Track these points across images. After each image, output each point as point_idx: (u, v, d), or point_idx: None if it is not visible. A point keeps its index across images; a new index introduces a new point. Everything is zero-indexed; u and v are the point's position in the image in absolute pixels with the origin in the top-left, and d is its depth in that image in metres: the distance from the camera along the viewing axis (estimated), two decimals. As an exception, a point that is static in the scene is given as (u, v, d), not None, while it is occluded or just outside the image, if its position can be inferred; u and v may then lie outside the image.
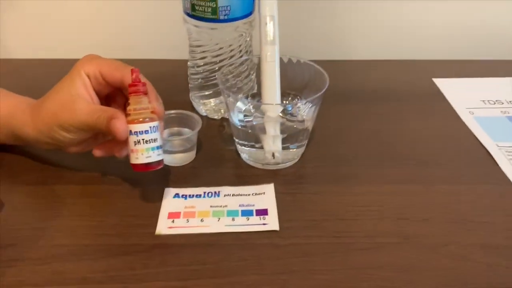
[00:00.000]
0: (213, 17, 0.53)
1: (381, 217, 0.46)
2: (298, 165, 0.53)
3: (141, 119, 0.43)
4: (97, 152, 0.47)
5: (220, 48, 0.56)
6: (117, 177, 0.51)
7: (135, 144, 0.44)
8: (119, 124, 0.43)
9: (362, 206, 0.48)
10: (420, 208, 0.48)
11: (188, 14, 0.54)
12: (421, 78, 0.71)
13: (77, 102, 0.45)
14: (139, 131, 0.43)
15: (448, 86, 0.68)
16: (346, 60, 0.76)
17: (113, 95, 0.49)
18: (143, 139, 0.43)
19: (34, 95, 0.50)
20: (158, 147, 0.44)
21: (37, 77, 0.69)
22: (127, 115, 0.44)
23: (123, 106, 0.49)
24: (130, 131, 0.43)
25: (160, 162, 0.44)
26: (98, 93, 0.48)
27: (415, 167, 0.53)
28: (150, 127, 0.43)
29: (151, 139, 0.43)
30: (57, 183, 0.50)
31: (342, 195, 0.49)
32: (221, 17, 0.53)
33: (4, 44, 0.75)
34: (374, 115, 0.62)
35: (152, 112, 0.44)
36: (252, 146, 0.52)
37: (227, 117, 0.60)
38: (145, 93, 0.44)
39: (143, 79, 0.46)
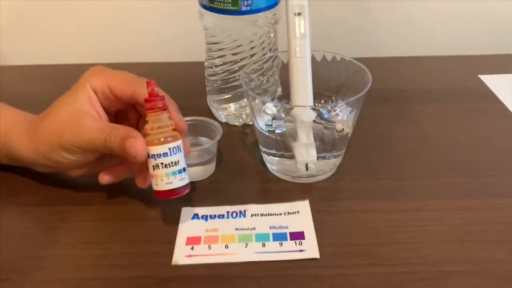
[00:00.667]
0: (234, 9, 0.46)
1: (442, 239, 0.39)
2: (335, 178, 0.46)
3: (162, 139, 0.37)
4: (105, 179, 0.41)
5: (240, 46, 0.50)
6: (125, 197, 0.44)
7: (153, 169, 0.37)
8: (139, 145, 0.37)
9: (417, 225, 0.40)
10: (490, 227, 0.40)
11: (205, 7, 0.48)
12: (465, 75, 0.63)
13: (82, 118, 0.39)
14: (157, 154, 0.37)
15: (498, 83, 0.60)
16: (380, 57, 0.69)
17: (124, 111, 0.43)
18: (162, 163, 0.37)
19: (37, 103, 0.44)
20: (180, 171, 0.37)
21: (46, 83, 0.63)
22: (145, 135, 0.38)
23: (136, 125, 0.43)
24: (148, 153, 0.37)
25: (185, 187, 0.38)
26: (106, 110, 0.42)
27: (472, 178, 0.45)
28: (170, 148, 0.37)
29: (172, 162, 0.37)
30: (58, 204, 0.43)
31: (390, 212, 0.42)
32: (243, 8, 0.46)
33: (4, 50, 0.70)
34: (417, 118, 0.55)
35: (174, 129, 0.38)
36: (282, 156, 0.45)
37: (250, 123, 0.54)
38: (164, 109, 0.38)
39: (160, 92, 0.39)
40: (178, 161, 0.37)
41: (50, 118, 0.41)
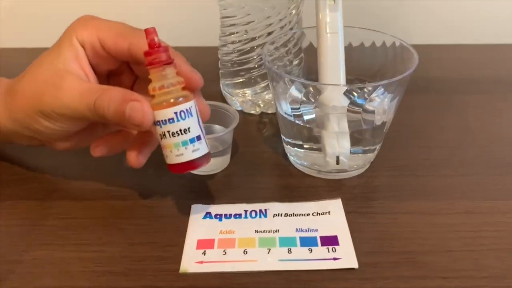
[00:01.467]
0: (254, -25, 0.40)
1: (503, 247, 0.32)
2: (369, 174, 0.40)
3: (171, 100, 0.30)
4: (97, 150, 0.34)
5: (254, 21, 0.43)
6: (124, 190, 0.38)
7: (160, 138, 0.31)
8: (145, 108, 0.30)
9: (470, 230, 0.34)
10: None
11: (221, -26, 0.42)
12: (509, 65, 0.57)
13: (64, 78, 0.32)
14: (162, 120, 0.30)
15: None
16: (416, 44, 0.63)
17: (118, 73, 0.36)
18: (168, 131, 0.30)
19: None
20: (193, 140, 0.30)
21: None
22: (149, 97, 0.31)
23: (131, 88, 0.36)
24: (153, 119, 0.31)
25: (201, 159, 0.31)
26: (96, 70, 0.35)
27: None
28: (176, 112, 0.30)
29: (181, 130, 0.30)
30: (46, 198, 0.37)
31: (436, 214, 0.35)
32: (264, -25, 0.40)
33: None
34: (458, 109, 0.48)
35: (184, 87, 0.31)
36: (310, 148, 0.38)
37: (269, 111, 0.47)
38: (169, 62, 0.31)
39: (163, 42, 0.32)
40: (189, 128, 0.30)
41: (27, 79, 0.34)
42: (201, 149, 0.31)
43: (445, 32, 0.65)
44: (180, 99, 0.30)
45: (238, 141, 0.43)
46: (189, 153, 0.30)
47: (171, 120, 0.30)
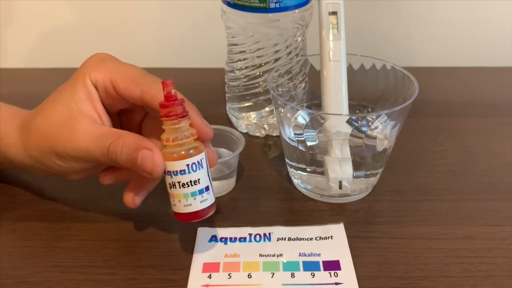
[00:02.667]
0: (262, 6, 0.41)
1: (501, 273, 0.33)
2: (371, 198, 0.41)
3: (183, 152, 0.31)
4: (105, 179, 0.35)
5: (262, 48, 0.45)
6: (134, 213, 0.39)
7: (170, 188, 0.32)
8: (157, 158, 0.31)
9: (469, 256, 0.35)
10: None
11: (229, 4, 0.43)
12: (510, 88, 0.58)
13: (80, 121, 0.33)
14: (173, 171, 0.31)
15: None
16: (414, 67, 0.64)
17: (129, 110, 0.37)
18: (179, 182, 0.31)
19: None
20: (201, 191, 0.31)
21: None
22: (161, 145, 0.32)
23: (139, 125, 0.37)
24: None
25: (208, 209, 0.32)
26: (108, 108, 0.35)
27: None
28: (188, 165, 0.31)
29: (191, 181, 0.31)
30: (58, 220, 0.38)
31: (436, 239, 0.36)
32: (271, 6, 0.42)
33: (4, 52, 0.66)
34: (459, 132, 0.49)
35: (196, 139, 0.32)
36: (313, 172, 0.39)
37: (273, 134, 0.49)
38: (184, 116, 0.31)
39: (178, 95, 0.32)
40: (199, 179, 0.31)
41: (42, 117, 0.34)
42: (209, 199, 0.32)
43: (446, 54, 0.66)
44: (192, 151, 0.31)
45: (243, 164, 0.44)
46: (197, 204, 0.31)
47: (182, 172, 0.31)
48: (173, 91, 0.31)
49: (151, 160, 0.31)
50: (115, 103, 0.35)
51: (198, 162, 0.31)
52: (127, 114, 0.37)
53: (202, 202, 0.31)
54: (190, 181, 0.31)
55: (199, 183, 0.31)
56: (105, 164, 0.35)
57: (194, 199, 0.31)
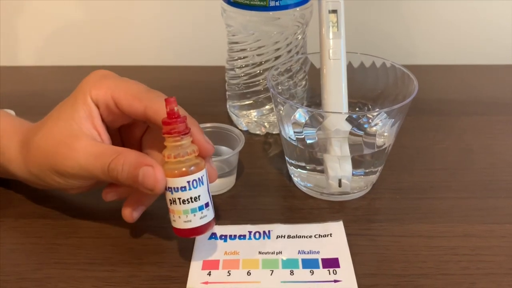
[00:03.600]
0: (262, 4, 0.42)
1: (500, 271, 0.33)
2: (371, 196, 0.41)
3: (183, 169, 0.31)
4: (108, 196, 0.36)
5: (263, 46, 0.45)
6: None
7: (170, 203, 0.32)
8: (158, 175, 0.31)
9: (468, 254, 0.35)
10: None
11: (229, 2, 0.43)
12: (509, 86, 0.58)
13: (80, 139, 0.33)
14: (174, 188, 0.31)
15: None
16: (414, 65, 0.64)
17: (129, 125, 0.37)
18: (179, 198, 0.31)
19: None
20: (201, 207, 0.31)
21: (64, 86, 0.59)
22: (162, 162, 0.32)
23: (139, 140, 0.37)
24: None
25: (207, 225, 0.32)
26: (109, 125, 0.35)
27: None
28: (189, 182, 0.31)
29: (191, 198, 0.31)
30: (59, 217, 0.38)
31: (435, 237, 0.36)
32: (271, 4, 0.42)
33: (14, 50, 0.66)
34: (458, 131, 0.49)
35: (197, 155, 0.32)
36: (313, 170, 0.40)
37: (273, 132, 0.49)
38: (186, 133, 0.31)
39: (181, 111, 0.32)
40: (199, 196, 0.31)
41: (42, 135, 0.34)
42: (208, 215, 0.32)
43: (446, 52, 0.66)
44: (193, 168, 0.31)
45: (243, 161, 0.44)
46: (197, 220, 0.31)
47: (183, 189, 0.31)
48: (175, 108, 0.31)
49: (152, 177, 0.31)
50: (116, 119, 0.35)
51: (198, 179, 0.31)
52: (127, 129, 0.37)
53: (201, 219, 0.31)
54: (191, 198, 0.31)
55: (199, 199, 0.31)
56: (105, 181, 0.35)
57: (194, 215, 0.31)
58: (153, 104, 0.33)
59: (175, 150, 0.31)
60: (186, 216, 0.31)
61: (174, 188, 0.31)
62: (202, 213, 0.31)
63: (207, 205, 0.32)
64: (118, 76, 0.35)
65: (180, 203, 0.31)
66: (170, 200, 0.32)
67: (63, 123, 0.34)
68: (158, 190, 0.31)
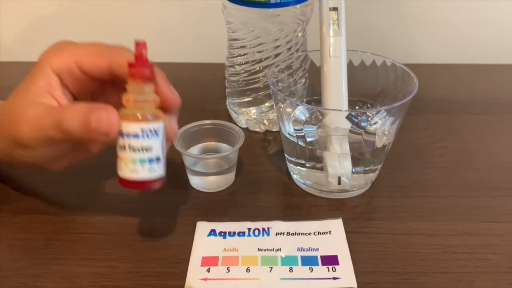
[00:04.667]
0: (263, 1, 0.41)
1: (498, 269, 0.33)
2: (370, 194, 0.41)
3: (139, 116, 0.30)
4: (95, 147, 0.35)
5: (263, 43, 0.45)
6: (133, 205, 0.39)
7: (119, 150, 0.30)
8: (112, 117, 0.29)
9: (466, 252, 0.35)
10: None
11: (230, -1, 0.43)
12: (509, 86, 0.58)
13: (32, 106, 0.32)
14: (126, 133, 0.30)
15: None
16: (413, 63, 0.64)
17: (103, 94, 0.36)
18: (129, 145, 0.30)
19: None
20: (151, 160, 0.30)
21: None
22: (120, 107, 0.31)
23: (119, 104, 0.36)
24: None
25: (155, 181, 0.31)
26: (78, 94, 0.35)
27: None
28: (143, 129, 0.29)
29: (142, 148, 0.29)
30: (58, 214, 0.38)
31: (434, 235, 0.36)
32: (272, 0, 0.41)
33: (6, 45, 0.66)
34: (457, 130, 0.49)
35: (157, 106, 0.31)
36: (313, 167, 0.40)
37: (273, 129, 0.49)
38: (150, 79, 0.30)
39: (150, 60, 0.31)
40: (151, 147, 0.30)
41: (3, 111, 0.34)
42: (157, 171, 0.31)
43: (446, 51, 0.66)
44: (149, 116, 0.30)
45: (242, 158, 0.44)
46: (144, 172, 0.30)
47: (135, 135, 0.29)
48: (144, 51, 0.30)
49: (106, 120, 0.29)
50: (83, 85, 0.34)
51: (154, 129, 0.30)
52: (101, 97, 0.36)
53: (150, 172, 0.30)
54: (142, 147, 0.30)
55: (150, 151, 0.30)
56: (83, 149, 0.35)
57: (142, 166, 0.30)
58: (117, 58, 0.32)
59: (134, 95, 0.30)
60: (134, 166, 0.30)
61: (126, 133, 0.30)
62: (151, 166, 0.30)
63: (158, 160, 0.30)
64: (78, 42, 0.35)
65: (130, 151, 0.30)
66: (120, 146, 0.30)
67: (20, 96, 0.33)
68: (113, 133, 0.30)
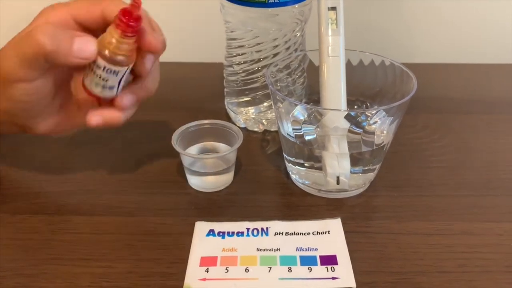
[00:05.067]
0: (261, 0, 0.41)
1: (497, 269, 0.33)
2: (369, 194, 0.41)
3: (107, 54, 0.33)
4: (93, 120, 0.36)
5: (261, 43, 0.45)
6: (131, 205, 0.39)
7: (91, 64, 0.34)
8: (91, 46, 0.33)
9: (465, 252, 0.35)
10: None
11: (228, -2, 0.43)
12: (510, 85, 0.58)
13: (20, 49, 0.33)
14: (95, 61, 0.33)
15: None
16: (413, 63, 0.64)
17: None
18: (94, 69, 0.34)
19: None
20: (104, 86, 0.34)
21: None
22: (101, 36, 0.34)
23: None
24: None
25: (102, 99, 0.36)
26: None
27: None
28: (105, 67, 0.33)
29: (101, 77, 0.34)
30: (55, 213, 0.38)
31: (433, 235, 0.36)
32: (271, 0, 0.41)
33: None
34: (456, 129, 0.49)
35: (133, 50, 0.33)
36: (311, 167, 0.39)
37: (271, 129, 0.49)
38: (132, 35, 0.33)
39: (143, 12, 0.33)
40: (108, 79, 0.34)
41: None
42: (108, 94, 0.35)
43: (446, 51, 0.66)
44: (117, 59, 0.33)
45: (241, 158, 0.44)
46: (97, 90, 0.35)
47: (98, 67, 0.34)
48: (136, 10, 0.32)
49: (87, 48, 0.33)
50: None
51: (113, 70, 0.34)
52: None
53: (101, 93, 0.35)
54: (101, 76, 0.34)
55: (106, 81, 0.34)
56: (69, 114, 0.38)
57: (96, 87, 0.34)
58: (109, 4, 0.34)
59: (112, 39, 0.33)
60: (91, 82, 0.34)
61: (96, 61, 0.33)
62: (103, 89, 0.35)
63: (111, 88, 0.35)
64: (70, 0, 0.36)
65: (93, 73, 0.34)
66: (90, 64, 0.34)
67: (13, 46, 0.34)
68: (87, 60, 0.33)
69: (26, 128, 0.37)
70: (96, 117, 0.36)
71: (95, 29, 0.35)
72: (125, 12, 0.32)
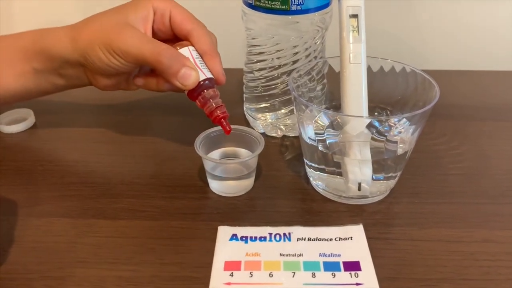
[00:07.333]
0: (283, 8, 0.42)
1: (521, 278, 0.33)
2: (389, 200, 0.41)
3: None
4: (138, 80, 0.43)
5: (282, 50, 0.45)
6: (155, 209, 0.39)
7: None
8: (194, 78, 0.39)
9: (488, 259, 0.35)
10: None
11: (250, 5, 0.43)
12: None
13: (128, 28, 0.39)
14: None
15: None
16: (430, 70, 0.64)
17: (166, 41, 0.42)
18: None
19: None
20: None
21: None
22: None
23: None
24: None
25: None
26: (155, 34, 0.42)
27: (544, 206, 0.40)
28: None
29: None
30: (80, 217, 0.39)
31: (454, 242, 0.37)
32: (293, 8, 0.42)
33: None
34: (474, 136, 0.50)
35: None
36: (332, 173, 0.40)
37: (290, 135, 0.49)
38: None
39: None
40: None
41: (98, 20, 0.40)
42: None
43: (462, 58, 0.66)
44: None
45: (261, 163, 0.44)
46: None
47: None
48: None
49: (190, 79, 0.39)
50: (163, 31, 0.42)
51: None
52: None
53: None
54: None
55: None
56: (128, 80, 0.44)
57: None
58: (199, 30, 0.41)
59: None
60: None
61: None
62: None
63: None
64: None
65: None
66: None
67: (118, 16, 0.40)
68: (185, 89, 0.40)
69: (89, 82, 0.43)
70: (140, 79, 0.43)
71: (171, 37, 0.42)
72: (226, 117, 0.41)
